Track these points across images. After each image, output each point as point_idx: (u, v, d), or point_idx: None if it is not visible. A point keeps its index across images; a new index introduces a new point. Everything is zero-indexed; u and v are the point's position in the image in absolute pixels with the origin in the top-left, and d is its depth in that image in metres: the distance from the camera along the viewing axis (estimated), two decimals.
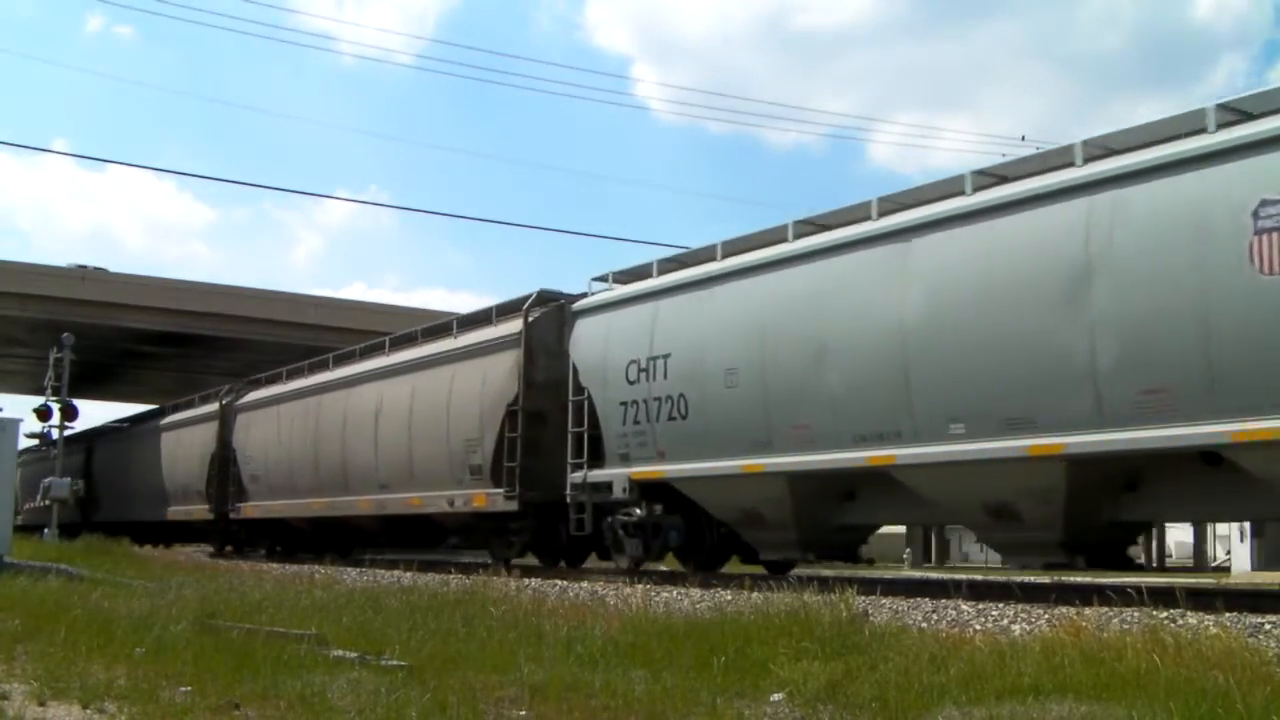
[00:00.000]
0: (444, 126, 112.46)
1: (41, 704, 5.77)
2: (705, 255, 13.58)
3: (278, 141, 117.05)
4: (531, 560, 17.44)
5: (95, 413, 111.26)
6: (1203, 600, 8.41)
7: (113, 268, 39.06)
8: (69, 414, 31.90)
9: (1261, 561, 29.83)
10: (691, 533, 14.08)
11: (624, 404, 13.77)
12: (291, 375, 24.58)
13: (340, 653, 7.14)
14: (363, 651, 7.14)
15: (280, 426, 23.80)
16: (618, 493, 13.92)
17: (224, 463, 26.38)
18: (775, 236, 12.46)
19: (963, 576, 11.85)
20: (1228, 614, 7.44)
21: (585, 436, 14.56)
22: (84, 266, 36.28)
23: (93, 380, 44.71)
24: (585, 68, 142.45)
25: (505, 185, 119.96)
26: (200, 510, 27.40)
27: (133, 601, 10.49)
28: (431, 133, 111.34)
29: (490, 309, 17.68)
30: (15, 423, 17.47)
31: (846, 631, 7.27)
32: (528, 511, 15.99)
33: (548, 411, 15.65)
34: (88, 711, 5.61)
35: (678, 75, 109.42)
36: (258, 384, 26.50)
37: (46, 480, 31.12)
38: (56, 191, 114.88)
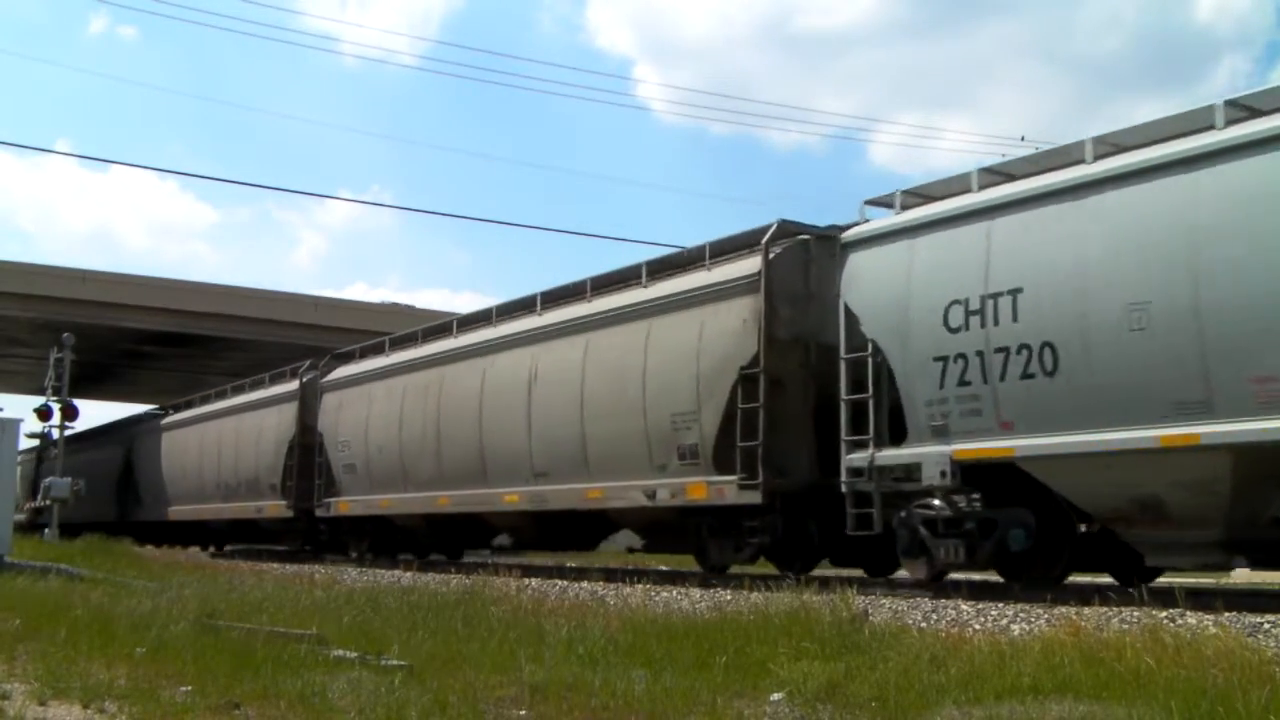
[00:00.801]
0: (446, 127, 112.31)
1: (42, 704, 5.77)
2: (1060, 158, 10.25)
3: (280, 142, 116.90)
4: (695, 566, 14.37)
5: (95, 412, 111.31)
6: (1203, 600, 8.41)
7: (114, 268, 39.01)
8: (69, 414, 31.85)
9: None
10: (1043, 532, 10.45)
11: (942, 360, 10.34)
12: (397, 345, 20.67)
13: (340, 653, 7.14)
14: (363, 651, 7.14)
15: (384, 406, 19.68)
16: (931, 478, 10.47)
17: (306, 451, 22.47)
18: (1193, 123, 9.24)
19: (962, 576, 11.79)
20: (1227, 614, 7.44)
21: (870, 406, 11.11)
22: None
23: (93, 380, 44.72)
24: (587, 69, 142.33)
25: (507, 185, 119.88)
26: (274, 506, 23.54)
27: (133, 601, 10.49)
28: (434, 133, 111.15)
29: (702, 247, 13.97)
30: (15, 423, 17.48)
31: (846, 631, 7.28)
32: (773, 505, 12.37)
33: (787, 376, 12.40)
34: (88, 711, 5.62)
35: (679, 76, 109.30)
36: (348, 358, 22.49)
37: (47, 480, 30.96)
38: (59, 192, 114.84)
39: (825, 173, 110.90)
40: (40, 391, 32.25)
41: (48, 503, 29.60)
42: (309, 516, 22.09)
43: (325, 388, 22.09)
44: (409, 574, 15.82)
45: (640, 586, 11.85)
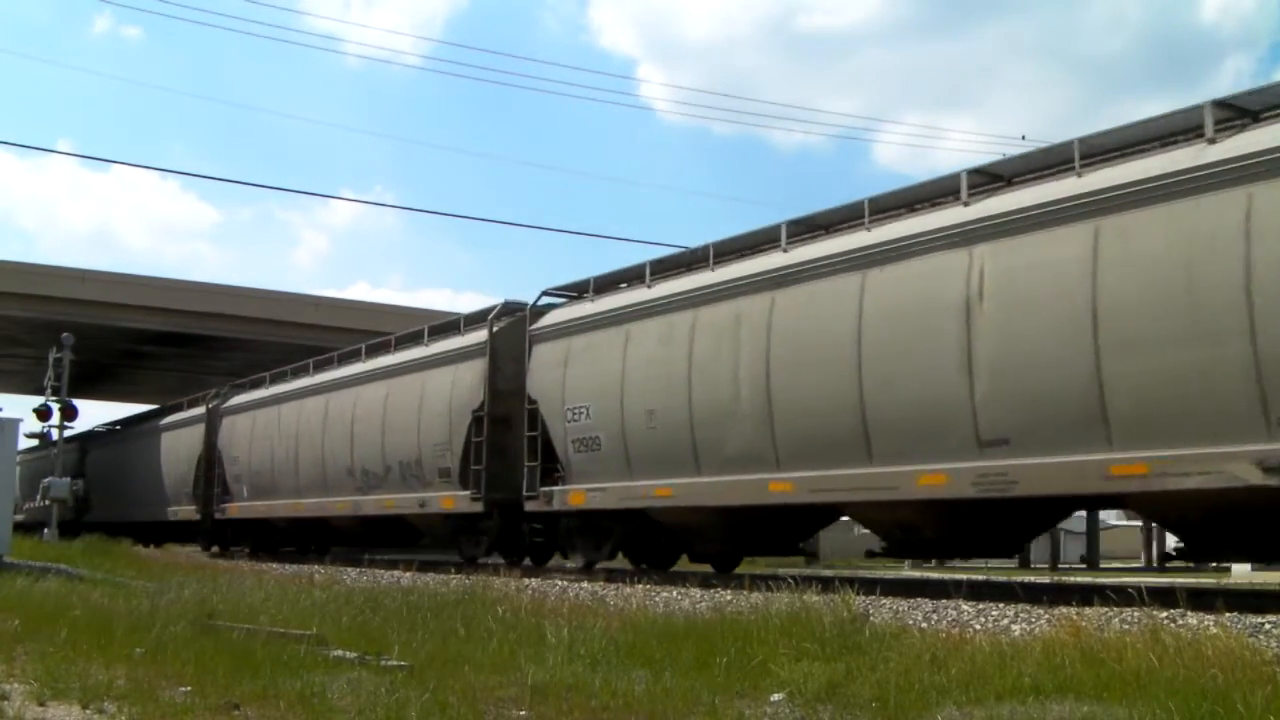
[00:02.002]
0: (449, 127, 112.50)
1: (41, 704, 5.76)
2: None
3: (283, 142, 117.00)
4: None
5: (95, 413, 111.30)
6: (1203, 600, 8.41)
7: (115, 268, 39.08)
8: (69, 414, 31.86)
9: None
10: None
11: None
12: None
13: (340, 653, 7.13)
14: (363, 652, 7.14)
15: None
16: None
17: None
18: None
19: (963, 576, 11.83)
20: (1228, 614, 7.44)
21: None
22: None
23: (93, 380, 44.68)
24: (591, 69, 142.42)
25: (510, 185, 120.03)
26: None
27: (132, 601, 10.49)
28: (437, 133, 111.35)
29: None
30: (15, 423, 17.47)
31: (847, 632, 7.27)
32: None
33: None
34: (87, 711, 5.61)
35: (683, 76, 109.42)
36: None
37: (46, 480, 31.02)
38: (60, 191, 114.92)
39: (829, 173, 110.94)
40: (40, 391, 32.26)
41: (45, 503, 30.13)
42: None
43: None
44: (408, 574, 15.83)
45: (640, 587, 11.86)
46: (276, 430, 23.92)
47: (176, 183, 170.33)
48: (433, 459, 17.80)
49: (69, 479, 30.95)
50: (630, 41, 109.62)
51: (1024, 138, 76.60)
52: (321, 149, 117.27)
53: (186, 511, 28.24)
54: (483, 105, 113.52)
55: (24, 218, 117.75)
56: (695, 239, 17.00)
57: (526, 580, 13.57)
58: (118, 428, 38.71)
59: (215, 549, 27.61)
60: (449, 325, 19.11)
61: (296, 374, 24.42)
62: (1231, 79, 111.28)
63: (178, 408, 31.08)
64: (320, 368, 23.42)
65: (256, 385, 26.41)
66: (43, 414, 31.69)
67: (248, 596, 11.14)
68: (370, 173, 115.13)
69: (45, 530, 29.12)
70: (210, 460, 27.06)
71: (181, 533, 30.57)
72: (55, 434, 32.21)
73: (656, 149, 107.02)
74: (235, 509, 25.78)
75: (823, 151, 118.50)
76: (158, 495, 30.61)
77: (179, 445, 29.49)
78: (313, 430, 22.16)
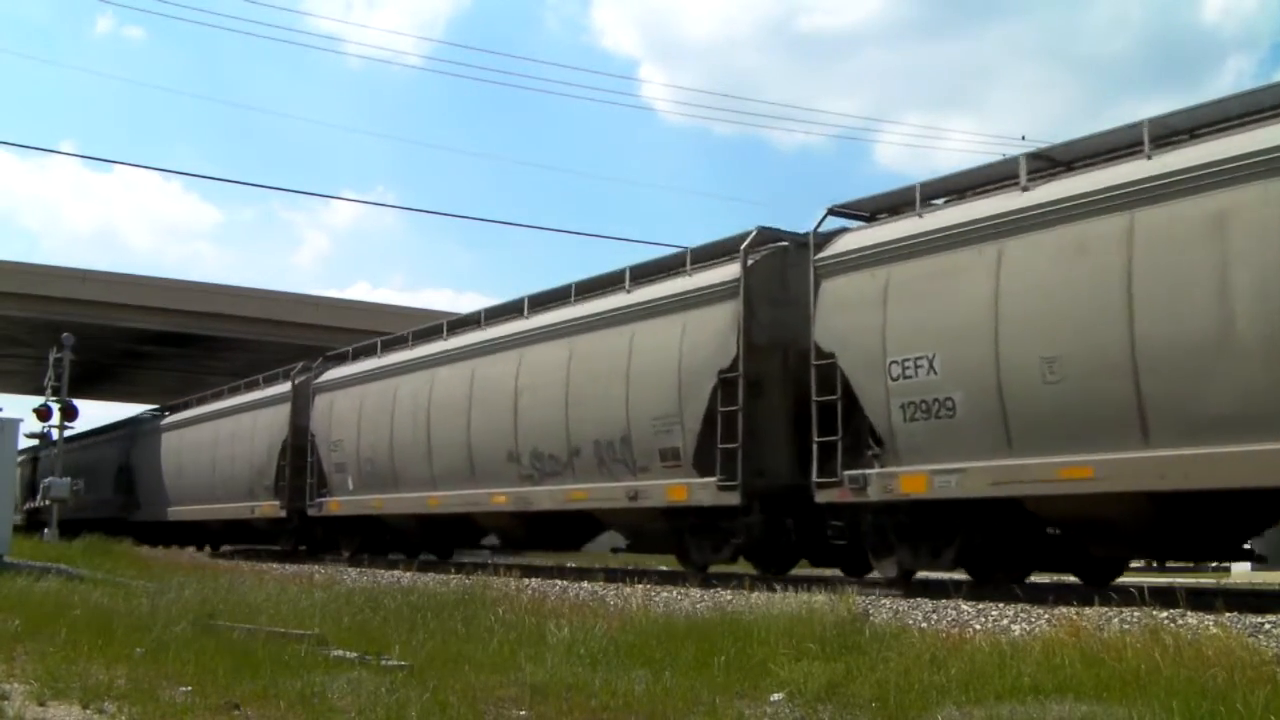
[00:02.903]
0: (451, 127, 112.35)
1: (41, 704, 5.76)
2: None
3: (285, 142, 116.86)
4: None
5: (95, 412, 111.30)
6: (1203, 600, 8.41)
7: (118, 268, 39.09)
8: (69, 414, 31.85)
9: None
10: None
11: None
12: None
13: (340, 653, 7.14)
14: (363, 652, 7.14)
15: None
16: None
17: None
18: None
19: (963, 577, 11.79)
20: (1228, 614, 7.44)
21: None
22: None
23: (93, 380, 44.71)
24: (593, 69, 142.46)
25: (512, 186, 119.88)
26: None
27: (133, 601, 10.48)
28: (439, 133, 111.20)
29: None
30: (15, 423, 17.46)
31: (847, 632, 7.28)
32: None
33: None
34: (88, 711, 5.61)
35: (684, 77, 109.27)
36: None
37: (46, 480, 30.95)
38: (63, 192, 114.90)
39: (830, 173, 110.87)
40: (40, 391, 32.25)
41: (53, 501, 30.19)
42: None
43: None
44: (408, 574, 15.81)
45: (641, 587, 11.85)
46: (394, 408, 19.31)
47: (179, 183, 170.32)
48: (650, 437, 13.62)
49: (69, 479, 30.84)
50: (632, 42, 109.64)
51: (1024, 138, 76.64)
52: (323, 149, 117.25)
53: (265, 508, 23.61)
54: (484, 106, 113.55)
55: (27, 218, 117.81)
56: (696, 239, 16.47)
57: (526, 580, 13.56)
58: (163, 414, 34.05)
59: (302, 550, 23.84)
60: (669, 264, 14.66)
61: (422, 338, 19.81)
62: (1233, 80, 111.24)
63: (248, 386, 26.57)
64: (459, 328, 18.90)
65: (364, 354, 21.78)
66: (43, 414, 31.68)
67: (248, 596, 11.14)
68: (372, 173, 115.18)
69: (45, 530, 29.09)
70: (300, 447, 22.44)
71: (252, 534, 26.73)
72: (55, 434, 32.20)
73: (657, 149, 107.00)
74: (336, 504, 20.94)
75: (823, 152, 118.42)
76: (221, 490, 26.15)
77: (253, 431, 24.87)
78: (453, 406, 17.59)
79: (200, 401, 25.66)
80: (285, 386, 23.29)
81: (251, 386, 25.93)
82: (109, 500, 32.93)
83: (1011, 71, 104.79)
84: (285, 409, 23.01)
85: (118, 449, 30.87)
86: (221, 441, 23.24)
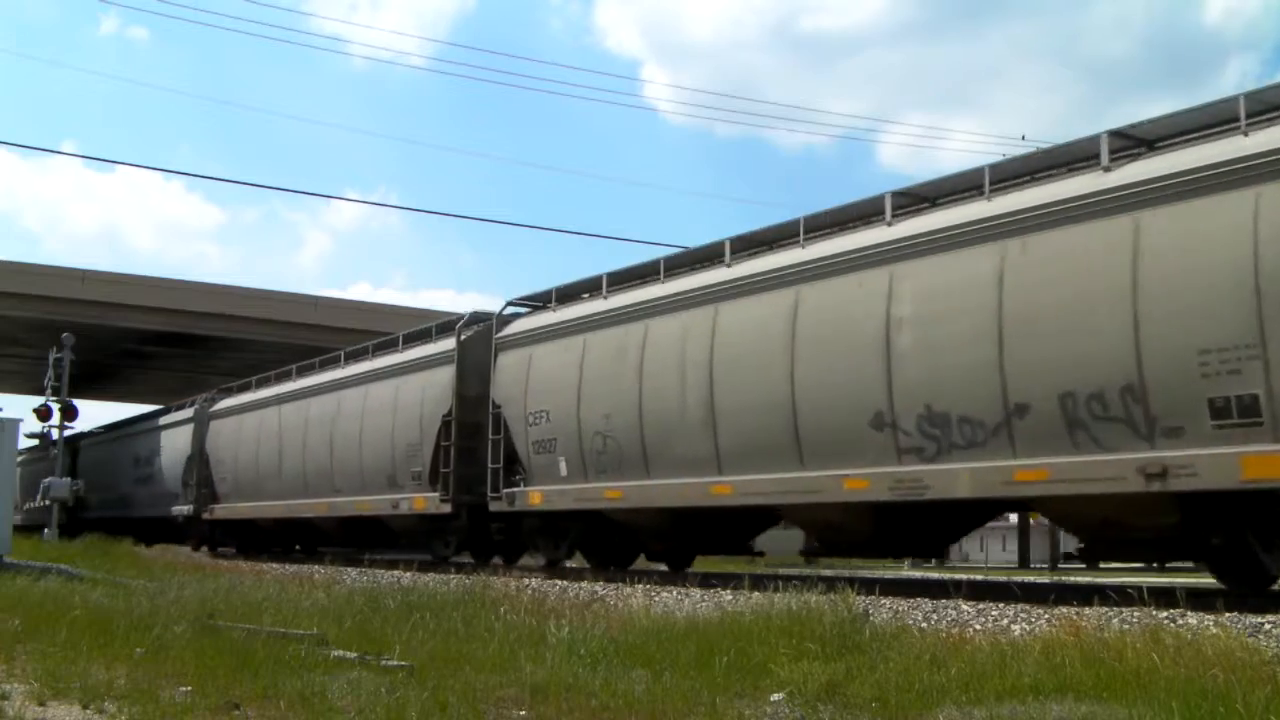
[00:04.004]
0: (454, 128, 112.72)
1: (41, 704, 5.77)
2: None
3: (288, 143, 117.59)
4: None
5: (95, 413, 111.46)
6: (1203, 600, 8.41)
7: (120, 268, 39.04)
8: (69, 414, 31.88)
9: None
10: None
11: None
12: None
13: (340, 653, 7.14)
14: (363, 652, 7.14)
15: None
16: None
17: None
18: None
19: (963, 576, 11.83)
20: (1228, 614, 7.44)
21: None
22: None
23: (93, 380, 44.68)
24: (595, 70, 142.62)
25: (515, 186, 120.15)
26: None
27: (133, 601, 10.49)
28: (442, 134, 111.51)
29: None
30: (15, 423, 17.47)
31: (847, 632, 7.27)
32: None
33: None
34: (88, 711, 5.61)
35: (687, 77, 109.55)
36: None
37: (46, 480, 31.01)
38: (65, 192, 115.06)
39: (833, 173, 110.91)
40: (40, 391, 32.27)
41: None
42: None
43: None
44: (409, 574, 15.82)
45: (641, 587, 11.86)
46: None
47: (182, 184, 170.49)
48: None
49: (69, 479, 30.92)
50: (635, 43, 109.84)
51: (1024, 138, 76.55)
52: (326, 149, 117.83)
53: (421, 502, 25.26)
54: (487, 106, 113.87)
55: (29, 218, 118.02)
56: (697, 240, 16.76)
57: (526, 580, 13.56)
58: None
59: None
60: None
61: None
62: (1236, 80, 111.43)
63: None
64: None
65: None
66: (43, 414, 31.69)
67: (248, 596, 11.14)
68: (375, 173, 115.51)
69: (45, 530, 29.12)
70: (470, 423, 22.77)
71: (386, 536, 26.86)
72: (55, 434, 32.20)
73: (660, 150, 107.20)
74: (538, 496, 19.17)
75: (826, 152, 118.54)
76: (347, 480, 26.28)
77: (399, 403, 24.10)
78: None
79: (304, 371, 24.00)
80: (446, 344, 18.42)
81: (384, 349, 21.00)
82: (171, 495, 29.64)
83: (1014, 72, 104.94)
84: (446, 373, 18.06)
85: (187, 434, 28.72)
86: (343, 417, 20.88)
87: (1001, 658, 6.32)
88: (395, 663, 6.73)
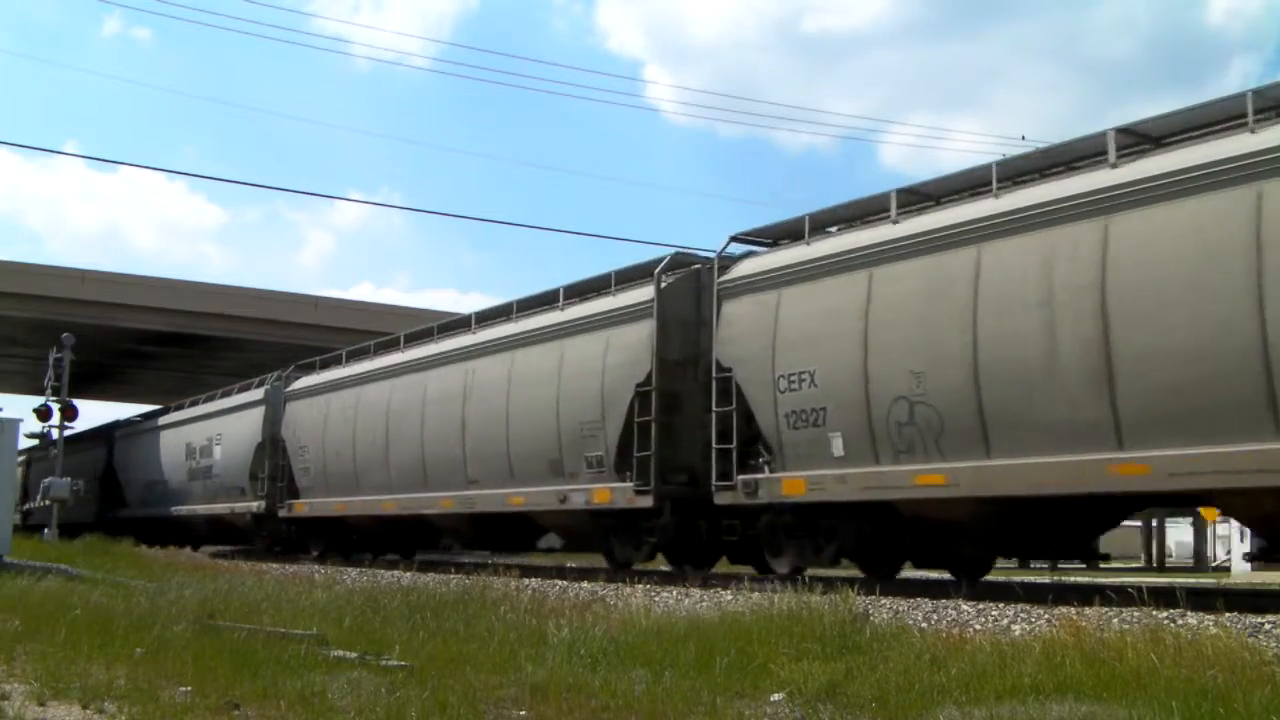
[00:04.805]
0: (456, 128, 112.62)
1: (41, 704, 5.76)
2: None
3: (291, 143, 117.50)
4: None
5: (95, 413, 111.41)
6: (1203, 600, 8.41)
7: (122, 269, 38.96)
8: (69, 414, 31.85)
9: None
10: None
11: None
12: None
13: (340, 653, 7.14)
14: (363, 652, 7.14)
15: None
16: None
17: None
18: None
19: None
20: (1228, 614, 7.44)
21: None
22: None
23: (93, 380, 44.71)
24: (598, 70, 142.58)
25: (517, 186, 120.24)
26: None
27: (133, 601, 10.48)
28: (444, 135, 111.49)
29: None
30: (15, 423, 17.46)
31: (847, 632, 7.27)
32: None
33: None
34: (88, 711, 5.61)
35: (689, 78, 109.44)
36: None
37: (46, 480, 30.86)
38: (68, 192, 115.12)
39: (834, 174, 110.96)
40: (39, 391, 32.24)
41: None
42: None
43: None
44: (409, 574, 15.80)
45: (641, 587, 11.85)
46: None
47: (184, 184, 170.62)
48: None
49: (69, 479, 30.80)
50: (637, 43, 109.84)
51: (1024, 138, 76.52)
52: (329, 150, 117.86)
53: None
54: (490, 107, 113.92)
55: (32, 218, 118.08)
56: (699, 240, 16.27)
57: (526, 580, 13.57)
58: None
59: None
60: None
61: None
62: (1238, 81, 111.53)
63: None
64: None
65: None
66: (43, 414, 31.67)
67: (248, 596, 11.14)
68: (377, 174, 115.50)
69: (45, 530, 29.08)
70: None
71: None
72: (55, 434, 32.18)
73: (662, 150, 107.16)
74: (798, 485, 19.71)
75: (828, 152, 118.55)
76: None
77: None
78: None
79: (416, 340, 19.67)
80: (638, 293, 14.45)
81: (531, 309, 16.94)
82: (233, 490, 25.76)
83: (1017, 72, 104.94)
84: (640, 331, 14.12)
85: (255, 419, 24.47)
86: (479, 392, 16.86)
87: (1002, 658, 6.32)
88: (395, 663, 6.73)
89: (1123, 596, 8.80)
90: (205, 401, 28.87)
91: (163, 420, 31.89)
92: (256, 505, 23.81)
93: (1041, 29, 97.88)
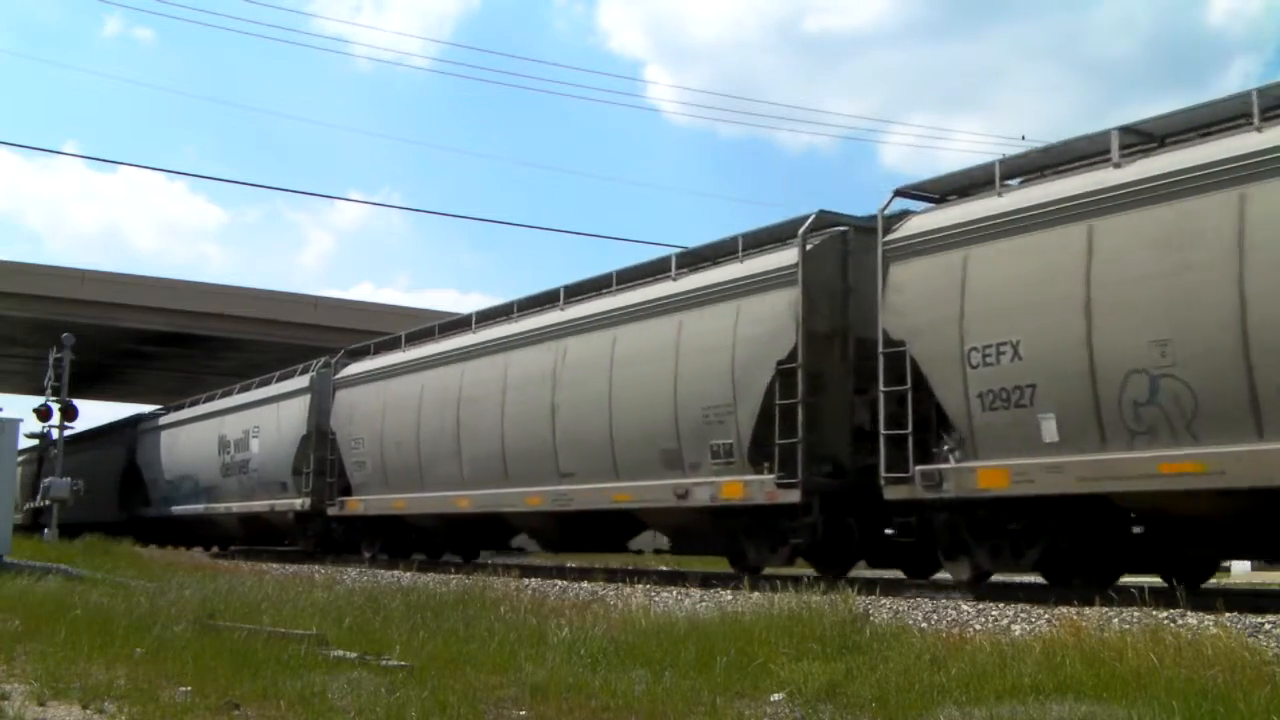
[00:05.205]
0: (457, 129, 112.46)
1: (41, 704, 5.76)
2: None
3: (291, 143, 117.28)
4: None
5: (96, 413, 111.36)
6: (1203, 600, 8.40)
7: (121, 269, 38.86)
8: (69, 414, 31.82)
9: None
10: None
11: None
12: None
13: (341, 653, 7.14)
14: (363, 652, 7.14)
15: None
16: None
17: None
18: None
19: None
20: (1228, 614, 7.44)
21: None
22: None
23: (93, 380, 44.71)
24: (599, 70, 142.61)
25: (518, 186, 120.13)
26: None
27: (133, 601, 10.48)
28: (444, 135, 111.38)
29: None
30: (15, 423, 17.44)
31: (847, 632, 7.27)
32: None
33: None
34: (88, 711, 5.61)
35: (690, 78, 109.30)
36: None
37: (46, 480, 30.75)
38: (68, 192, 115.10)
39: (835, 174, 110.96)
40: (40, 391, 32.22)
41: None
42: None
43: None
44: (409, 574, 15.78)
45: (641, 587, 11.85)
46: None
47: (184, 184, 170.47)
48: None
49: (69, 479, 30.70)
50: (638, 43, 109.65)
51: (1024, 138, 76.60)
52: (330, 150, 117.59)
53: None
54: (491, 107, 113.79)
55: (32, 218, 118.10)
56: (699, 240, 15.81)
57: (526, 580, 13.55)
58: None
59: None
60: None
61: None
62: (1239, 81, 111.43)
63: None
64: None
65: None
66: (43, 414, 31.66)
67: (248, 596, 11.14)
68: (378, 174, 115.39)
69: (45, 530, 29.04)
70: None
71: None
72: (55, 434, 32.16)
73: (663, 150, 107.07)
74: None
75: (829, 153, 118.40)
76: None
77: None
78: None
79: (489, 319, 17.85)
80: (779, 257, 12.75)
81: (634, 281, 15.22)
82: (273, 486, 23.95)
83: (1018, 72, 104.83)
84: (780, 301, 12.43)
85: (300, 409, 22.50)
86: (571, 374, 15.22)
87: (1002, 658, 6.32)
88: (395, 663, 6.73)
89: (1123, 596, 8.80)
90: (240, 391, 26.90)
91: (191, 412, 29.91)
92: (300, 503, 22.02)
93: (1042, 29, 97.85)
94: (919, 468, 10.72)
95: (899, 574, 13.31)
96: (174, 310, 35.81)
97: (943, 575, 12.12)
